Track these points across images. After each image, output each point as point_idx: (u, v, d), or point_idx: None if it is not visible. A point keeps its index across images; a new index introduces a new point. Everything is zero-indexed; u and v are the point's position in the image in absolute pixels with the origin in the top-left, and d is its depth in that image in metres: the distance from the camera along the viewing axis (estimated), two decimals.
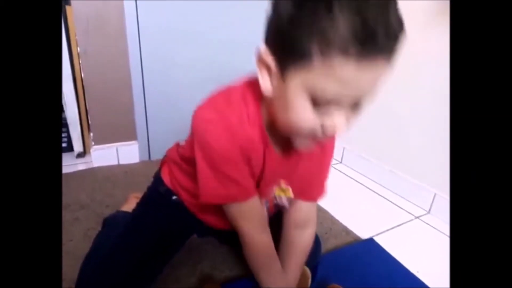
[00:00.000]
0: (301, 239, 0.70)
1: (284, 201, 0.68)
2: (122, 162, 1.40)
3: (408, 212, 1.21)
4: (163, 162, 0.76)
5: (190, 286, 0.78)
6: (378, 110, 1.39)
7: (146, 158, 1.45)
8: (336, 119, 0.46)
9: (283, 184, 0.66)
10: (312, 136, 0.49)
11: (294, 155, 0.62)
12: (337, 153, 1.62)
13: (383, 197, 1.31)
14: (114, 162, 1.39)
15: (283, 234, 0.70)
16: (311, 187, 0.68)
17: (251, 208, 0.60)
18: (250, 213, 0.61)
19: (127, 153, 1.39)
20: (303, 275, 0.72)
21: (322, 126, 0.47)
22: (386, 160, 1.39)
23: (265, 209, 0.67)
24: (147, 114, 1.38)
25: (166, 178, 0.73)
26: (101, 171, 1.33)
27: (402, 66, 1.27)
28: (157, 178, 0.75)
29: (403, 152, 1.31)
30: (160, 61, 1.32)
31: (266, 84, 0.48)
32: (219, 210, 0.62)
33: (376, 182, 1.41)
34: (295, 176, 0.65)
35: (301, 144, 0.54)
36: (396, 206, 1.25)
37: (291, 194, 0.67)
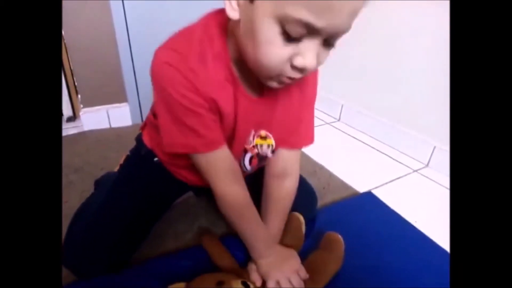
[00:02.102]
0: (279, 190, 0.67)
1: (266, 150, 0.64)
2: (113, 125, 1.36)
3: (406, 166, 1.20)
4: (144, 124, 0.74)
5: (188, 242, 0.78)
6: (376, 64, 1.33)
7: (139, 121, 1.40)
8: (307, 55, 0.43)
9: (263, 132, 0.62)
10: (280, 73, 0.46)
11: (270, 96, 0.58)
12: (335, 111, 1.58)
13: (382, 152, 1.29)
14: (105, 125, 1.35)
15: (264, 186, 0.68)
16: (293, 134, 0.64)
17: (217, 160, 0.57)
18: (216, 165, 0.57)
19: (118, 115, 1.35)
20: (294, 222, 0.71)
21: (291, 61, 0.44)
22: (385, 114, 1.36)
23: (247, 162, 0.64)
24: (136, 75, 1.32)
25: (146, 140, 0.71)
26: (93, 134, 1.29)
27: (399, 18, 1.20)
28: (138, 140, 0.74)
29: (402, 106, 1.28)
30: (145, 16, 1.23)
31: (232, 5, 0.44)
32: (194, 166, 0.59)
33: (375, 138, 1.39)
34: (274, 121, 0.61)
35: (271, 84, 0.50)
36: (394, 161, 1.24)
37: (273, 142, 0.63)
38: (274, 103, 0.59)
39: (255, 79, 0.52)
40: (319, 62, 0.45)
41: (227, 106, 0.53)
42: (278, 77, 0.47)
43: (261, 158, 0.65)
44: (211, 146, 0.55)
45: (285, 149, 0.66)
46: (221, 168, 0.58)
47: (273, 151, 0.65)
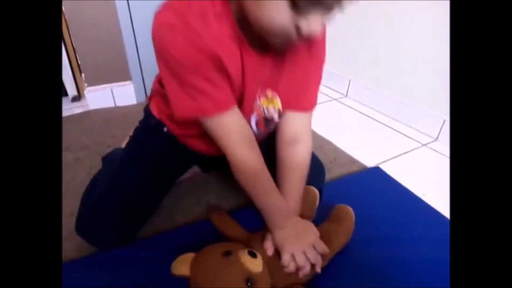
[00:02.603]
0: (292, 157, 0.64)
1: (273, 113, 0.62)
2: (118, 104, 1.36)
3: (415, 140, 1.18)
4: (151, 95, 0.73)
5: (196, 217, 0.79)
6: (384, 39, 1.29)
7: (144, 99, 1.40)
8: (314, 23, 0.43)
9: (269, 92, 0.60)
10: (285, 36, 0.46)
11: (278, 56, 0.56)
12: (342, 86, 1.55)
13: (390, 127, 1.27)
14: (110, 104, 1.34)
15: (276, 154, 0.66)
16: (300, 95, 0.62)
17: (229, 123, 0.55)
18: (228, 128, 0.56)
19: (123, 94, 1.34)
20: (310, 195, 0.71)
21: (297, 28, 0.44)
22: (393, 89, 1.32)
23: (253, 124, 0.62)
24: (139, 52, 1.29)
25: (155, 110, 0.70)
26: (99, 113, 1.29)
27: None
28: (147, 111, 0.73)
29: (411, 80, 1.24)
30: None
31: None
32: (205, 134, 0.58)
33: (383, 113, 1.36)
34: (281, 82, 0.59)
35: (276, 44, 0.50)
36: (403, 135, 1.22)
37: (279, 104, 0.61)
38: (281, 63, 0.57)
39: (261, 39, 0.51)
40: (324, 25, 0.45)
41: (233, 65, 0.52)
42: (282, 39, 0.47)
43: (268, 121, 0.63)
44: (221, 107, 0.54)
45: (294, 112, 0.64)
46: (234, 132, 0.56)
47: (279, 114, 0.63)
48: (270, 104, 0.61)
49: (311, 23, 0.43)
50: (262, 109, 0.61)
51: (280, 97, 0.61)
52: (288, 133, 0.65)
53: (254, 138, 0.59)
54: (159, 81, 0.64)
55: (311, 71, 0.63)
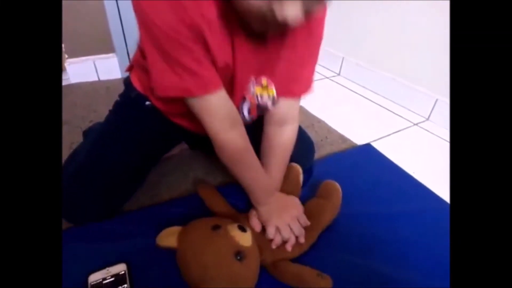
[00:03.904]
0: (280, 135, 0.64)
1: (267, 101, 0.60)
2: (102, 78, 1.29)
3: (407, 120, 1.17)
4: (130, 66, 0.68)
5: (182, 192, 0.76)
6: (377, 16, 1.25)
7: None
8: (288, 8, 0.38)
9: (264, 80, 0.57)
10: (263, 21, 0.42)
11: (274, 39, 0.52)
12: (335, 65, 1.52)
13: (382, 106, 1.26)
14: (93, 78, 1.28)
15: (263, 131, 0.65)
16: (294, 82, 0.61)
17: (214, 104, 0.52)
18: (214, 109, 0.53)
19: (106, 67, 1.27)
20: (293, 172, 0.70)
21: (274, 12, 0.39)
22: (386, 68, 1.30)
23: (246, 112, 0.61)
24: (123, 22, 1.22)
25: (136, 83, 0.66)
26: (81, 87, 1.23)
27: None
28: (127, 84, 0.68)
29: (404, 59, 1.21)
30: None
31: None
32: (191, 113, 0.55)
33: (376, 92, 1.34)
34: (278, 68, 0.56)
35: (255, 28, 0.45)
36: (394, 115, 1.20)
37: (274, 92, 0.59)
38: (280, 44, 0.54)
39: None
40: (309, 14, 0.41)
41: (221, 49, 0.48)
42: (260, 22, 0.43)
43: (261, 108, 0.62)
44: (207, 87, 0.50)
45: (285, 99, 0.62)
46: (218, 114, 0.54)
47: (274, 102, 0.61)
48: (264, 92, 0.59)
49: (284, 8, 0.38)
50: (256, 97, 0.59)
51: (274, 83, 0.58)
52: (277, 115, 0.64)
53: (239, 118, 0.57)
54: (141, 51, 0.59)
55: (308, 54, 0.60)
